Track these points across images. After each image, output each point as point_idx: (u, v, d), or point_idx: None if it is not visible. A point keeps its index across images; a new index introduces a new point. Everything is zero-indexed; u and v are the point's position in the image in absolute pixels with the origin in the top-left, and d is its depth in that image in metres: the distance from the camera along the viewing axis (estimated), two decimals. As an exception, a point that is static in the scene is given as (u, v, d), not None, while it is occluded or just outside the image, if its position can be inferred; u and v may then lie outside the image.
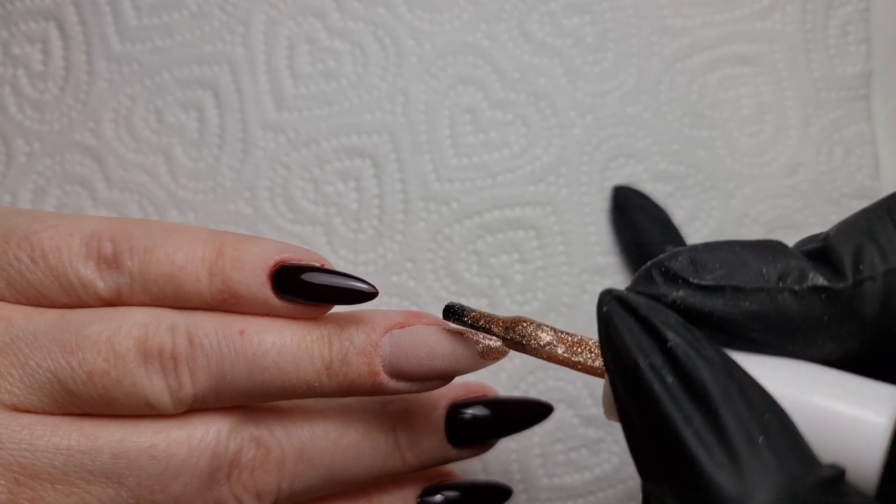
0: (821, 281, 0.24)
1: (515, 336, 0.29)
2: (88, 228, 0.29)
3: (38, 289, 0.29)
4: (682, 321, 0.24)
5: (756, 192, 0.42)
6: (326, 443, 0.30)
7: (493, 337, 0.30)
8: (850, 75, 0.43)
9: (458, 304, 0.30)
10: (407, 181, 0.41)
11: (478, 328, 0.29)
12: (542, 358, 0.29)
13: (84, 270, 0.29)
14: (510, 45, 0.43)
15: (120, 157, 0.42)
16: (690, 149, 0.42)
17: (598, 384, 0.39)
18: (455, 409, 0.33)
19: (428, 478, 0.34)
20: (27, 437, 0.27)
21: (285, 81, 0.42)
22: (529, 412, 0.33)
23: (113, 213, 0.41)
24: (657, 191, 0.41)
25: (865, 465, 0.23)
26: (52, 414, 0.28)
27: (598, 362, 0.28)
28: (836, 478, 0.22)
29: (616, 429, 0.39)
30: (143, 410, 0.28)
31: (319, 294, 0.29)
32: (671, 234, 0.40)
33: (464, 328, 0.30)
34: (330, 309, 0.30)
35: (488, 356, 0.30)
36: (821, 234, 0.26)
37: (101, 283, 0.29)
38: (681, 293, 0.24)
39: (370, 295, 0.29)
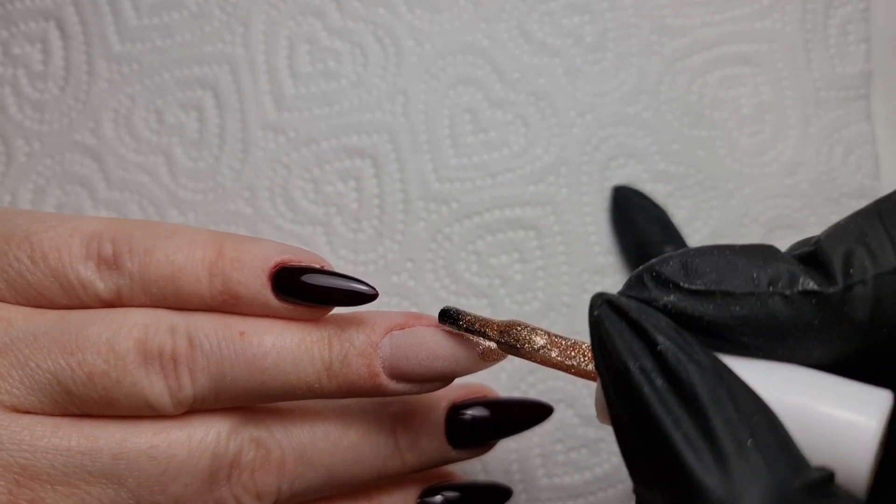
0: (811, 285, 0.24)
1: (510, 340, 0.29)
2: (88, 229, 0.29)
3: (38, 290, 0.29)
4: (672, 325, 0.24)
5: (756, 191, 0.42)
6: (326, 444, 0.31)
7: (489, 340, 0.30)
8: (850, 75, 0.43)
9: (453, 308, 0.30)
10: (407, 181, 0.41)
11: (473, 332, 0.30)
12: (535, 361, 0.29)
13: (84, 271, 0.29)
14: (510, 44, 0.43)
15: (120, 157, 0.42)
16: (690, 149, 0.42)
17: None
18: (455, 409, 0.33)
19: (428, 478, 0.34)
20: (27, 437, 0.27)
21: (285, 81, 0.42)
22: (529, 413, 0.33)
23: (113, 214, 0.41)
24: (657, 191, 0.41)
25: (855, 468, 0.23)
26: (52, 415, 0.28)
27: (592, 366, 0.28)
28: (824, 480, 0.22)
29: (616, 429, 0.39)
30: (143, 411, 0.28)
31: (319, 295, 0.29)
32: (671, 234, 0.40)
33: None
34: (330, 310, 0.30)
35: (488, 358, 0.30)
36: (812, 238, 0.26)
37: (101, 284, 0.29)
38: (672, 298, 0.25)
39: (370, 296, 0.29)
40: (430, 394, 0.32)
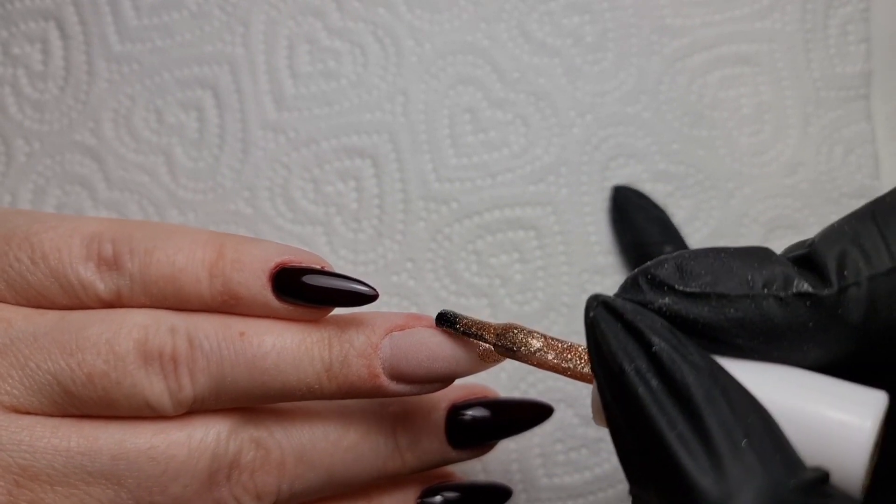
0: (806, 287, 0.24)
1: (506, 343, 0.29)
2: (89, 230, 0.29)
3: (38, 290, 0.29)
4: (668, 326, 0.24)
5: (756, 191, 0.42)
6: (326, 444, 0.31)
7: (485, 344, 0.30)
8: (850, 75, 0.43)
9: (450, 311, 0.30)
10: (407, 181, 0.41)
11: (470, 335, 0.30)
12: (532, 364, 0.29)
13: (84, 272, 0.29)
14: (510, 44, 0.43)
15: (120, 157, 0.42)
16: (690, 149, 0.42)
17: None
18: (455, 410, 0.33)
19: (428, 479, 0.34)
20: (27, 438, 0.27)
21: (285, 81, 0.42)
22: (530, 413, 0.33)
23: (113, 214, 0.41)
24: (657, 191, 0.41)
25: (850, 468, 0.23)
26: (51, 415, 0.28)
27: (588, 368, 0.28)
28: (819, 480, 0.22)
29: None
30: (142, 412, 0.28)
31: (320, 296, 0.29)
32: (671, 234, 0.40)
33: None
34: (330, 311, 0.30)
35: (488, 359, 0.30)
36: (807, 240, 0.26)
37: (101, 284, 0.29)
38: (667, 300, 0.25)
39: (370, 297, 0.29)
40: (430, 394, 0.32)
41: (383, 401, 0.32)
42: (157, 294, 0.29)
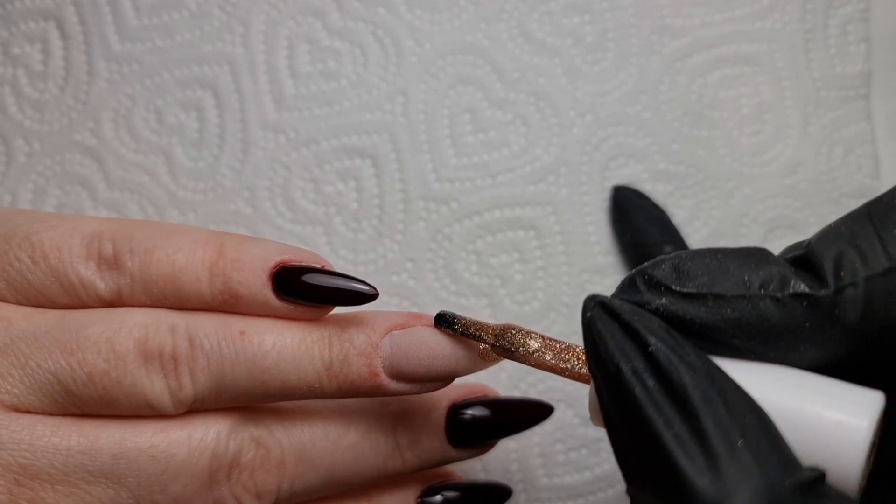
0: (802, 288, 0.24)
1: (504, 343, 0.29)
2: (89, 229, 0.29)
3: (38, 289, 0.29)
4: (665, 326, 0.24)
5: (756, 191, 0.42)
6: (326, 443, 0.31)
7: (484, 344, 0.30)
8: (850, 75, 0.43)
9: (448, 312, 0.30)
10: (407, 181, 0.42)
11: (468, 336, 0.30)
12: (530, 365, 0.29)
13: (84, 271, 0.29)
14: (510, 44, 0.43)
15: (120, 157, 0.42)
16: (690, 149, 0.42)
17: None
18: (455, 409, 0.33)
19: (428, 478, 0.34)
20: (27, 437, 0.27)
21: (285, 81, 0.42)
22: (530, 412, 0.33)
23: (113, 214, 0.41)
24: (657, 191, 0.41)
25: (847, 468, 0.23)
26: (52, 414, 0.28)
27: (585, 369, 0.28)
28: (816, 480, 0.22)
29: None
30: (143, 411, 0.28)
31: (320, 295, 0.29)
32: (671, 234, 0.40)
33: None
34: (330, 310, 0.30)
35: (488, 358, 0.30)
36: (804, 241, 0.26)
37: (101, 283, 0.29)
38: (663, 301, 0.25)
39: (371, 296, 0.29)
40: (431, 393, 0.32)
41: (383, 400, 0.32)
42: (158, 293, 0.29)
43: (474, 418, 0.33)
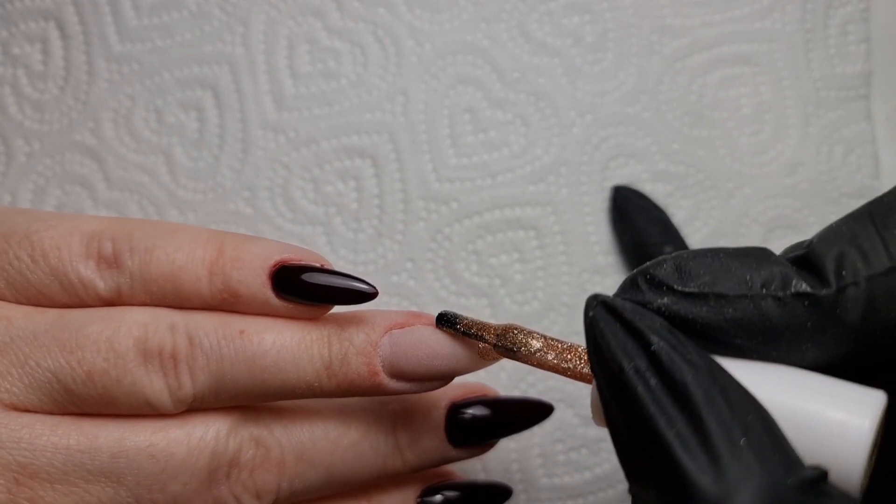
0: (804, 287, 0.24)
1: (506, 343, 0.29)
2: (89, 228, 0.29)
3: (38, 288, 0.29)
4: (667, 325, 0.24)
5: (756, 191, 0.42)
6: (326, 442, 0.30)
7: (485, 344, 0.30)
8: (850, 75, 0.43)
9: (450, 312, 0.30)
10: (407, 181, 0.42)
11: (470, 336, 0.30)
12: (532, 364, 0.29)
13: (84, 270, 0.29)
14: (510, 44, 0.43)
15: (120, 157, 0.42)
16: (690, 149, 0.42)
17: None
18: (455, 408, 0.33)
19: (428, 478, 0.34)
20: (26, 436, 0.27)
21: (285, 81, 0.42)
22: (529, 411, 0.33)
23: (113, 213, 0.41)
24: (657, 191, 0.41)
25: (849, 468, 0.23)
26: (51, 413, 0.28)
27: (587, 368, 0.28)
28: (818, 478, 0.22)
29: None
30: (142, 410, 0.28)
31: (319, 294, 0.29)
32: (671, 234, 0.40)
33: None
34: (330, 309, 0.30)
35: (488, 357, 0.30)
36: (805, 240, 0.26)
37: (101, 282, 0.29)
38: (665, 300, 0.25)
39: (370, 295, 0.29)
40: (430, 393, 0.32)
41: (383, 399, 0.32)
42: (157, 292, 0.29)
43: (474, 417, 0.32)
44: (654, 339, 0.23)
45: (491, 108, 0.42)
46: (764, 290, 0.24)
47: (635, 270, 0.26)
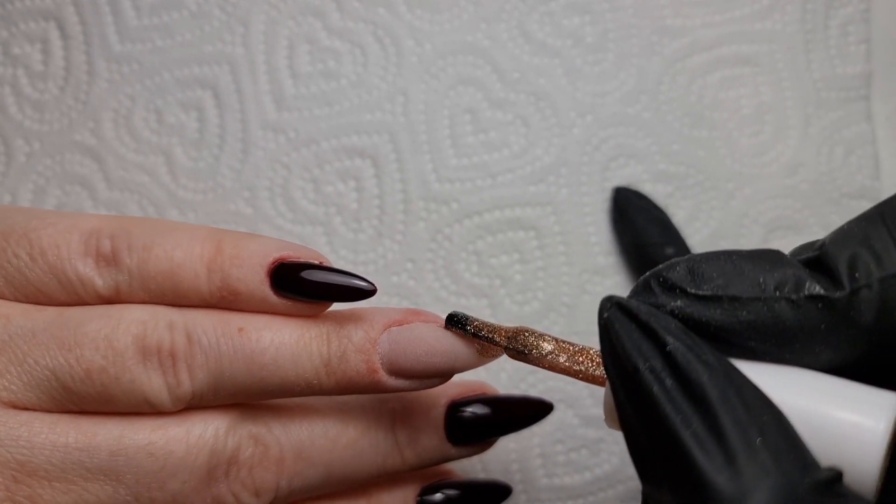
0: (817, 290, 0.24)
1: (518, 346, 0.29)
2: (87, 226, 0.29)
3: (36, 286, 0.29)
4: (681, 327, 0.24)
5: (756, 192, 0.41)
6: (325, 441, 0.30)
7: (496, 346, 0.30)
8: (850, 75, 0.43)
9: (461, 313, 0.30)
10: (407, 181, 0.41)
11: (480, 338, 0.30)
12: (543, 367, 0.29)
13: (83, 268, 0.29)
14: (510, 45, 0.43)
15: (120, 157, 0.42)
16: (690, 149, 0.42)
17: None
18: (455, 407, 0.32)
19: (427, 476, 0.34)
20: (25, 434, 0.27)
21: (285, 81, 0.42)
22: (529, 410, 0.33)
23: (113, 213, 0.41)
24: (657, 191, 0.41)
25: (864, 470, 0.23)
26: (50, 411, 0.28)
27: (599, 371, 0.28)
28: (833, 479, 0.22)
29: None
30: (141, 408, 0.28)
31: (318, 291, 0.29)
32: (671, 235, 0.40)
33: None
34: (329, 306, 0.30)
35: (487, 354, 0.30)
36: (817, 241, 0.26)
37: (99, 280, 0.29)
38: (679, 303, 0.25)
39: (369, 292, 0.29)
40: (430, 391, 0.32)
41: (382, 397, 0.32)
42: (156, 290, 0.29)
43: (474, 416, 0.32)
44: (670, 339, 0.23)
45: (491, 108, 0.42)
46: (777, 293, 0.24)
47: (648, 273, 0.26)
